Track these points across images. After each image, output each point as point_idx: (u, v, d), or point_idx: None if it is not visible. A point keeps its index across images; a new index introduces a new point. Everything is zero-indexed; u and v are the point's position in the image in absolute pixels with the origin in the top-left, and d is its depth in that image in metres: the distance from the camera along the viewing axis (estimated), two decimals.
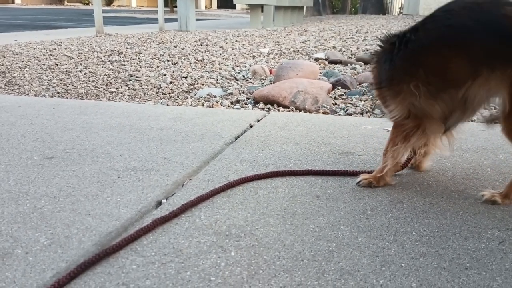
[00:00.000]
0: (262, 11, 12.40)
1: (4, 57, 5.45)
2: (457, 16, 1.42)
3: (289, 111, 3.10)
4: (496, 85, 1.39)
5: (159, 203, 1.52)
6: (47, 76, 4.44)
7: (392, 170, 1.64)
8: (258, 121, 2.54)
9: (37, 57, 5.47)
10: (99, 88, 4.00)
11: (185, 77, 4.39)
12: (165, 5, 13.87)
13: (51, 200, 1.50)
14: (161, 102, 3.47)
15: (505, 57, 1.35)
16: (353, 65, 4.82)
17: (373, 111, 3.03)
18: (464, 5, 1.44)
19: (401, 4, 17.61)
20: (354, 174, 1.72)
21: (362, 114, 3.00)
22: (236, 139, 2.23)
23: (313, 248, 1.23)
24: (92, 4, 9.30)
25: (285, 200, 1.53)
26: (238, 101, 3.41)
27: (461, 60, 1.41)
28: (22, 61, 5.18)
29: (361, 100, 3.29)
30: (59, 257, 1.17)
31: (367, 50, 5.78)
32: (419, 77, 1.44)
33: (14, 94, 3.73)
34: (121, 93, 3.83)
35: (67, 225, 1.34)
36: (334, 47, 6.29)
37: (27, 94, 3.74)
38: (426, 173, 1.79)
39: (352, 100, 3.35)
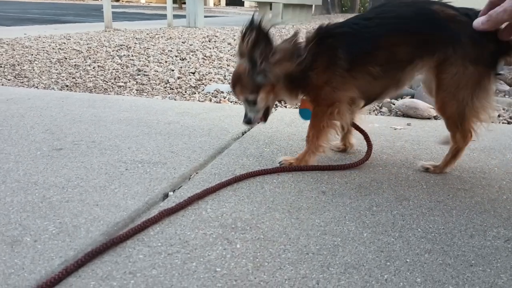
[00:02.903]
0: (270, 8, 12.40)
1: (14, 50, 5.49)
2: (402, 10, 1.68)
3: (296, 107, 3.10)
4: (423, 67, 1.66)
5: (166, 196, 1.53)
6: (56, 70, 4.47)
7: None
8: None
9: (47, 51, 5.51)
10: (107, 82, 4.03)
11: (193, 73, 4.40)
12: (174, 1, 13.90)
13: (59, 190, 1.52)
14: (169, 97, 3.48)
15: (433, 45, 1.60)
16: None
17: (381, 109, 3.02)
18: (405, 2, 1.71)
19: None
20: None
21: (369, 112, 3.00)
22: (243, 134, 2.24)
23: (319, 242, 1.23)
24: (101, 0, 9.35)
25: (291, 195, 1.53)
26: None
27: (406, 46, 1.64)
28: (32, 54, 5.22)
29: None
30: (67, 246, 1.19)
31: None
32: (376, 59, 1.65)
33: (23, 86, 3.77)
34: (129, 87, 3.85)
35: (75, 215, 1.35)
36: None
37: (36, 87, 3.77)
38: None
39: None
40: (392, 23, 1.65)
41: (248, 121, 1.80)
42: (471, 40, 1.55)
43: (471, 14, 1.58)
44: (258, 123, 1.84)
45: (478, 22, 1.51)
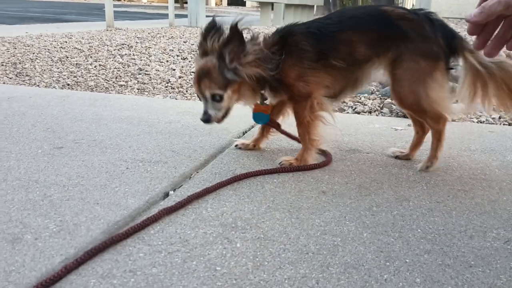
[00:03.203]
0: (272, 9, 12.40)
1: (16, 48, 5.50)
2: (359, 10, 1.88)
3: None
4: (380, 65, 1.76)
5: (167, 195, 1.53)
6: (58, 68, 4.47)
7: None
8: None
9: (48, 49, 5.52)
10: (108, 81, 4.03)
11: (194, 72, 4.40)
12: (176, 1, 13.91)
13: (60, 189, 1.52)
14: (170, 96, 3.49)
15: (386, 43, 1.71)
16: None
17: (382, 110, 3.03)
18: (359, 6, 2.08)
19: (413, 4, 17.56)
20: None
21: (370, 112, 3.00)
22: (243, 134, 2.24)
23: (318, 242, 1.24)
24: None
25: (292, 195, 1.54)
26: None
27: (362, 43, 1.73)
28: (33, 53, 5.23)
29: (369, 99, 3.29)
30: (68, 244, 1.19)
31: None
32: (339, 54, 1.72)
33: (25, 85, 3.77)
34: (130, 86, 3.86)
35: (76, 213, 1.36)
36: None
37: (38, 85, 3.77)
38: (433, 173, 1.79)
39: (360, 99, 3.35)
40: (348, 22, 1.76)
41: (208, 118, 1.73)
42: (421, 37, 1.67)
43: (420, 13, 1.72)
44: (216, 122, 1.77)
45: (470, 15, 1.52)
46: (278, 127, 1.97)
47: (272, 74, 1.68)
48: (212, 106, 1.72)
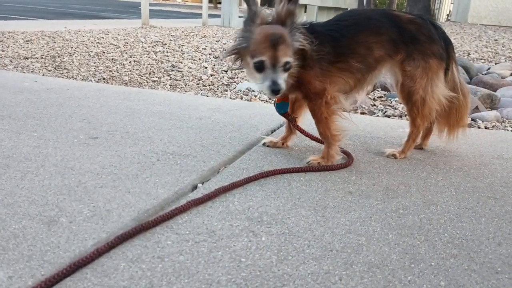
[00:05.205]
0: (305, 11, 12.38)
1: (55, 42, 5.69)
2: (372, 13, 2.00)
3: None
4: (391, 67, 1.89)
5: (195, 187, 1.57)
6: (94, 63, 4.61)
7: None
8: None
9: (86, 44, 5.68)
10: (142, 76, 4.13)
11: (226, 71, 4.46)
12: (209, 1, 14.07)
13: (94, 176, 1.58)
14: (201, 93, 3.54)
15: (398, 45, 1.82)
16: None
17: None
18: (371, 9, 2.09)
19: (449, 11, 17.15)
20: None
21: (400, 116, 2.97)
22: (272, 132, 2.26)
23: (343, 240, 1.24)
24: None
25: (318, 193, 1.55)
26: None
27: (379, 43, 1.82)
28: (71, 47, 5.39)
29: (400, 103, 3.26)
30: (100, 228, 1.24)
31: None
32: (358, 55, 1.80)
33: (63, 77, 3.90)
34: (163, 82, 3.94)
35: (108, 200, 1.41)
36: None
37: (75, 78, 3.90)
38: (463, 179, 1.76)
39: (391, 103, 3.32)
40: (366, 24, 1.84)
41: (279, 89, 1.58)
42: (428, 39, 1.83)
43: (425, 18, 1.89)
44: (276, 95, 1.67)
45: None
46: (294, 121, 1.95)
47: (313, 49, 1.68)
48: (281, 76, 1.60)
